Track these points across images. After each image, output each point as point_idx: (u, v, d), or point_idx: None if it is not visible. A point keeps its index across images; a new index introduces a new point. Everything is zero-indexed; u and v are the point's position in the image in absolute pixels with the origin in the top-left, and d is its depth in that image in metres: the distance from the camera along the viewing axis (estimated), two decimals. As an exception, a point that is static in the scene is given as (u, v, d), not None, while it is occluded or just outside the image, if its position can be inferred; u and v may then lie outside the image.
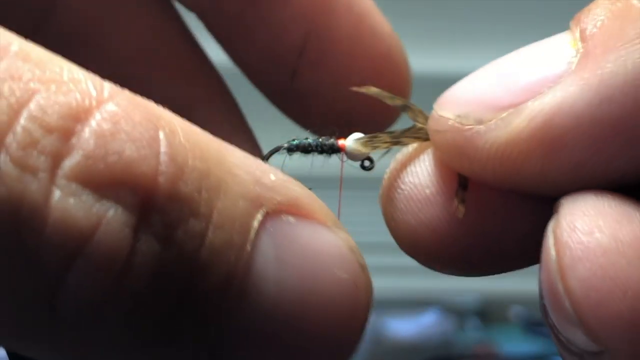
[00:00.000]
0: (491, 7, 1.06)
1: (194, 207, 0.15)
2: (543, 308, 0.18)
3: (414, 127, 0.21)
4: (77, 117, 0.14)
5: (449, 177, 0.19)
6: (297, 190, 0.17)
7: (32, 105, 0.14)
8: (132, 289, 0.14)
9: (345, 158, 0.22)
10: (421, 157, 0.21)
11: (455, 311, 1.10)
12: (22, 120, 0.14)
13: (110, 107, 0.15)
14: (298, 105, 0.26)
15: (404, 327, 1.08)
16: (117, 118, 0.14)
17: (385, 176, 0.21)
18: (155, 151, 0.15)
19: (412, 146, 0.21)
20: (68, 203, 0.14)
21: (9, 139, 0.14)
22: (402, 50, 0.22)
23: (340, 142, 0.22)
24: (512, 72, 0.19)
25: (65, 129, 0.14)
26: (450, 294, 1.02)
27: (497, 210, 0.20)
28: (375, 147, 0.22)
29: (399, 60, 0.23)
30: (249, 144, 0.23)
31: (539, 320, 0.85)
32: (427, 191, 0.19)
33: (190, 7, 0.26)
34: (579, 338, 0.16)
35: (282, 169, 0.18)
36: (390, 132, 0.22)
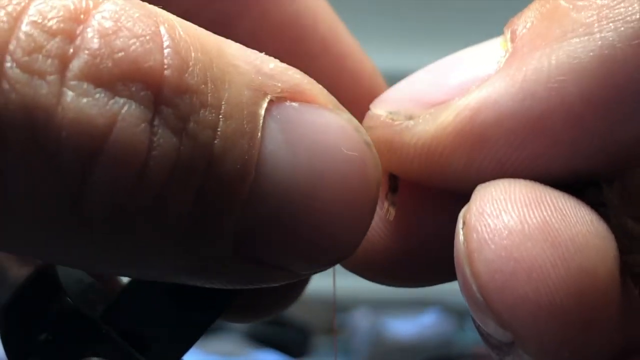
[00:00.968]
0: (491, 8, 1.06)
1: (202, 98, 0.15)
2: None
3: None
4: (77, 18, 0.14)
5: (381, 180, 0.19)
6: (297, 77, 0.17)
7: (31, 12, 0.14)
8: (154, 184, 0.15)
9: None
10: None
11: (455, 311, 1.10)
12: (24, 27, 0.14)
13: (108, 6, 0.15)
14: None
15: (404, 327, 1.08)
16: (117, 16, 0.15)
17: None
18: (159, 45, 0.15)
19: None
20: (81, 103, 0.14)
21: (13, 45, 0.14)
22: (385, 88, 0.22)
23: None
24: (446, 71, 0.19)
25: (68, 31, 0.14)
26: (450, 294, 1.02)
27: (429, 213, 0.20)
28: None
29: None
30: None
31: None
32: None
33: None
34: (490, 326, 0.16)
35: None
36: None
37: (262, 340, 0.98)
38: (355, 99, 0.21)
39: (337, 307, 1.06)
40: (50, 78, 0.14)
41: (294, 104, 0.16)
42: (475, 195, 0.17)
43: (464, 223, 0.17)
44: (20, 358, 0.19)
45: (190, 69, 0.15)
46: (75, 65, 0.14)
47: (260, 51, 0.17)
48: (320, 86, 0.17)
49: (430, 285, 0.21)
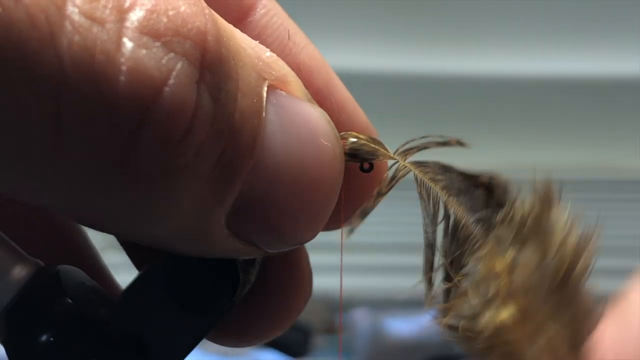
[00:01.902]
0: (491, 8, 1.06)
1: (230, 71, 0.16)
2: None
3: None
4: None
5: None
6: (286, 68, 0.18)
7: None
8: (194, 144, 0.15)
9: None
10: None
11: (455, 311, 1.10)
12: None
13: None
14: None
15: (404, 327, 1.08)
16: None
17: None
18: (201, 9, 0.16)
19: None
20: (141, 53, 0.14)
21: None
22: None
23: None
24: None
25: None
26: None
27: None
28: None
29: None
30: None
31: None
32: None
33: None
34: None
35: None
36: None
37: (262, 340, 0.97)
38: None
39: (337, 307, 1.06)
40: (110, 26, 0.14)
41: (282, 92, 0.17)
42: None
43: None
44: (21, 359, 0.19)
45: (224, 39, 0.16)
46: (134, 17, 0.15)
47: None
48: (300, 81, 0.18)
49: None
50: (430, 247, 0.21)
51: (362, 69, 1.00)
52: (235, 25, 0.17)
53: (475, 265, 0.20)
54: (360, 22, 1.05)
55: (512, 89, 1.10)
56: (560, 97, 1.11)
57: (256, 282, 0.21)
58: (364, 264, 0.80)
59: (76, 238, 0.25)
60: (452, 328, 0.20)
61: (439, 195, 0.21)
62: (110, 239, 0.20)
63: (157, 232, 0.17)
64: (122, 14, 0.15)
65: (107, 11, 0.14)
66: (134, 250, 0.24)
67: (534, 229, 0.20)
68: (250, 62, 0.17)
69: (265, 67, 0.17)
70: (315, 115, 0.18)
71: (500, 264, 0.19)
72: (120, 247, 0.24)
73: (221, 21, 0.16)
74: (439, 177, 0.21)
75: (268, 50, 0.18)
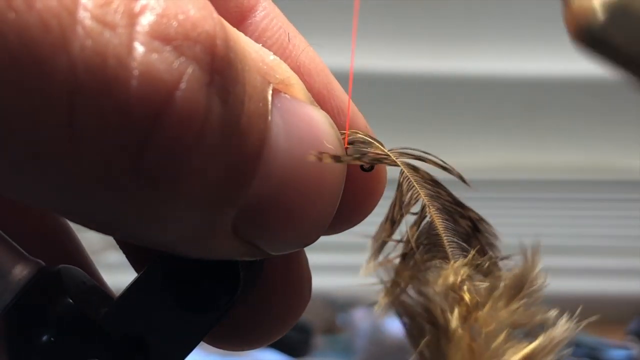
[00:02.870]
0: (491, 8, 1.06)
1: (238, 75, 0.16)
2: None
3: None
4: None
5: None
6: (289, 71, 0.18)
7: None
8: (206, 147, 0.15)
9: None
10: None
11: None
12: None
13: None
14: None
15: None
16: None
17: None
18: (210, 13, 0.16)
19: None
20: (152, 57, 0.15)
21: None
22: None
23: None
24: None
25: None
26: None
27: None
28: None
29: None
30: None
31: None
32: None
33: None
34: None
35: None
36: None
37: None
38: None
39: (337, 307, 1.06)
40: (121, 31, 0.14)
41: (286, 95, 0.18)
42: None
43: None
44: (22, 359, 0.19)
45: (232, 43, 0.16)
46: (145, 22, 0.15)
47: None
48: (302, 84, 0.18)
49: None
50: (392, 222, 0.20)
51: (362, 69, 1.00)
52: (235, 27, 0.17)
53: (438, 267, 0.20)
54: (360, 22, 1.04)
55: (512, 89, 1.10)
56: (560, 97, 1.11)
57: (256, 284, 0.21)
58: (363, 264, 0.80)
59: (76, 239, 0.25)
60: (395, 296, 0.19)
61: (420, 196, 0.20)
62: (110, 239, 0.20)
63: (163, 235, 0.17)
64: (133, 18, 0.15)
65: (118, 15, 0.14)
66: (131, 251, 0.24)
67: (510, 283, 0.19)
68: (255, 66, 0.17)
69: (269, 70, 0.17)
70: (318, 118, 0.18)
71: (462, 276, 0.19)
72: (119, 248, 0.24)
73: (227, 25, 0.16)
74: (427, 185, 0.21)
75: (271, 53, 0.18)
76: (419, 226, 0.20)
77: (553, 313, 0.19)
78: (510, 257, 0.20)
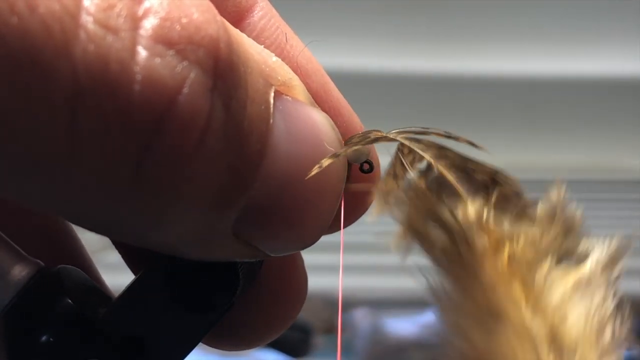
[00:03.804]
0: (491, 8, 1.06)
1: (240, 78, 0.16)
2: None
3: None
4: None
5: None
6: (291, 73, 0.18)
7: None
8: (208, 153, 0.15)
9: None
10: None
11: (455, 311, 1.10)
12: None
13: None
14: None
15: (404, 327, 1.08)
16: None
17: None
18: (213, 16, 0.16)
19: None
20: (155, 62, 0.14)
21: (87, 1, 0.14)
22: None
23: None
24: None
25: None
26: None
27: None
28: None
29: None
30: None
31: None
32: None
33: None
34: None
35: None
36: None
37: (262, 340, 0.97)
38: None
39: (337, 307, 1.06)
40: (124, 35, 0.14)
41: (288, 97, 0.18)
42: None
43: None
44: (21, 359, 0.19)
45: (235, 46, 0.16)
46: (148, 25, 0.15)
47: None
48: (303, 85, 0.18)
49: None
50: (394, 176, 0.18)
51: (362, 69, 1.00)
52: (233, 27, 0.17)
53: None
54: (360, 22, 1.05)
55: (512, 89, 1.10)
56: (560, 97, 1.11)
57: (256, 284, 0.21)
58: (364, 264, 0.80)
59: (76, 238, 0.25)
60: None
61: (424, 158, 0.18)
62: (108, 239, 0.20)
63: (163, 238, 0.17)
64: (136, 22, 0.15)
65: (121, 19, 0.14)
66: (128, 251, 0.24)
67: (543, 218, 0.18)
68: (257, 68, 0.17)
69: (271, 72, 0.17)
70: (319, 120, 0.18)
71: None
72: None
73: (230, 27, 0.16)
74: (432, 149, 0.19)
75: (273, 55, 0.18)
76: (426, 180, 0.18)
77: (596, 240, 0.18)
78: (537, 200, 0.19)
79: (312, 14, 1.02)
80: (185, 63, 0.15)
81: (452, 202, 0.18)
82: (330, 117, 0.19)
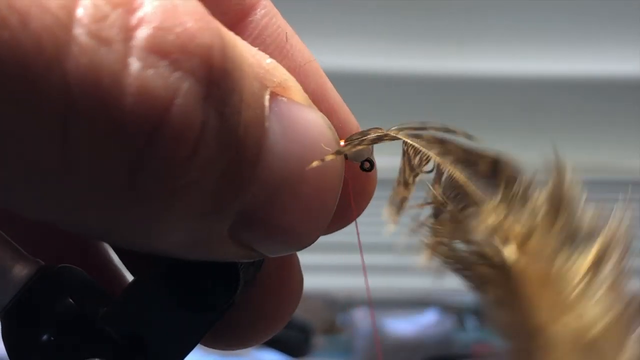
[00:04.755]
0: (491, 8, 1.06)
1: (235, 84, 0.16)
2: None
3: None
4: None
5: None
6: (286, 73, 0.18)
7: None
8: (201, 161, 0.15)
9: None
10: None
11: (455, 311, 1.10)
12: None
13: None
14: None
15: (404, 327, 1.08)
16: None
17: None
18: (207, 23, 0.15)
19: None
20: (148, 73, 0.14)
21: (79, 13, 0.14)
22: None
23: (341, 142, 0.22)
24: None
25: (129, 3, 0.15)
26: (450, 294, 1.02)
27: None
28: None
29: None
30: None
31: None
32: None
33: None
34: None
35: None
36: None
37: (262, 340, 0.97)
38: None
39: (337, 307, 1.06)
40: (117, 46, 0.14)
41: (284, 98, 0.17)
42: None
43: None
44: (22, 358, 0.19)
45: (229, 51, 0.16)
46: (140, 36, 0.14)
47: None
48: (300, 85, 0.18)
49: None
50: (405, 184, 0.19)
51: (362, 69, 1.00)
52: (236, 24, 0.17)
53: (474, 208, 0.19)
54: (360, 22, 1.05)
55: (512, 89, 1.10)
56: (560, 97, 1.11)
57: (255, 283, 0.21)
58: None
59: (77, 237, 0.25)
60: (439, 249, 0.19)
61: (430, 157, 0.20)
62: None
63: (159, 244, 0.17)
64: (129, 32, 0.14)
65: (115, 30, 0.14)
66: (125, 253, 0.24)
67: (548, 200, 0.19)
68: (252, 72, 0.17)
69: (266, 74, 0.17)
70: (316, 121, 0.18)
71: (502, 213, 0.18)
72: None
73: (225, 31, 0.16)
74: (435, 145, 0.20)
75: (268, 56, 0.18)
76: (440, 183, 0.20)
77: (601, 213, 0.19)
78: (536, 178, 0.20)
79: (313, 14, 1.02)
80: (178, 73, 0.15)
81: (471, 216, 0.19)
82: (327, 117, 0.19)
